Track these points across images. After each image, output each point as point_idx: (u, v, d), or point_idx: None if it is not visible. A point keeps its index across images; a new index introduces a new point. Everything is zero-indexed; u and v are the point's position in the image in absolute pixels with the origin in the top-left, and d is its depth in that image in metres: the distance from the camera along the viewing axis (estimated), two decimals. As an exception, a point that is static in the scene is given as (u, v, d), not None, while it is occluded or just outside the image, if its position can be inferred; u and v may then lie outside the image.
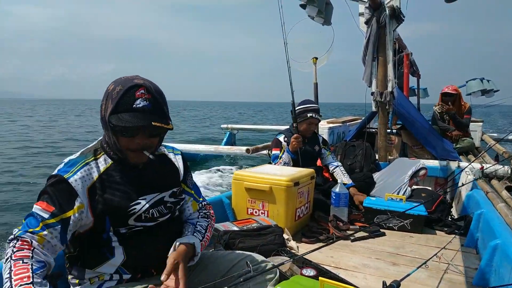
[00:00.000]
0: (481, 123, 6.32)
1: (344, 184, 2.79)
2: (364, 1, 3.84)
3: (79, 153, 1.25)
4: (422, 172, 3.08)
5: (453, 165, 3.66)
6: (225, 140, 10.13)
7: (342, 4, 3.99)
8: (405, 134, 4.72)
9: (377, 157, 3.88)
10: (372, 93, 3.99)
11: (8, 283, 0.96)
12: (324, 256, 2.09)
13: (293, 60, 3.51)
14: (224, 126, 10.45)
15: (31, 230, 1.07)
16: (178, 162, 1.41)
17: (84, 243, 1.22)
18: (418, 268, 1.64)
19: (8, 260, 1.01)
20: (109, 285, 1.23)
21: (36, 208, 1.11)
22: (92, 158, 1.22)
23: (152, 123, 1.11)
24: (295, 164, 2.82)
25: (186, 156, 1.46)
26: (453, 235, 2.43)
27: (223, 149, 6.50)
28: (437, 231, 2.52)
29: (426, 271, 1.88)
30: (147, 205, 1.25)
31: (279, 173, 2.41)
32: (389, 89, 3.88)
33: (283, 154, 2.84)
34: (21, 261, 1.01)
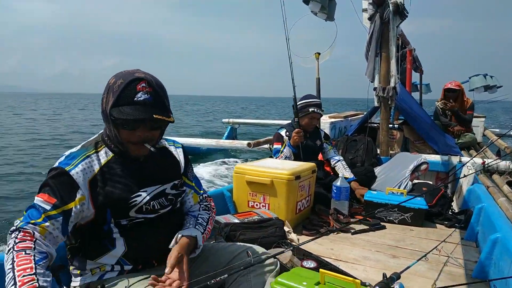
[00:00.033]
0: (483, 119, 6.30)
1: (346, 178, 2.80)
2: (368, -3, 3.83)
3: (80, 146, 1.25)
4: (423, 167, 3.07)
5: (455, 160, 3.66)
6: (226, 134, 10.16)
7: (346, 0, 3.98)
8: (407, 129, 4.71)
9: (378, 152, 3.88)
10: (375, 88, 3.98)
11: (11, 274, 0.97)
12: (324, 249, 2.11)
13: (296, 55, 3.51)
14: (226, 120, 10.49)
15: (33, 221, 1.07)
16: (179, 155, 1.42)
17: (85, 234, 1.23)
18: (418, 260, 1.64)
19: (11, 251, 1.01)
20: (110, 276, 1.25)
21: (38, 200, 1.11)
22: (93, 151, 1.22)
23: (153, 115, 1.12)
24: (297, 158, 2.83)
25: (188, 150, 1.47)
26: (453, 229, 2.43)
27: (225, 143, 6.50)
28: (437, 225, 2.53)
29: (426, 263, 1.89)
30: (148, 197, 1.26)
31: (281, 167, 2.41)
32: (392, 84, 3.87)
33: (284, 148, 2.85)
34: (23, 252, 1.01)
